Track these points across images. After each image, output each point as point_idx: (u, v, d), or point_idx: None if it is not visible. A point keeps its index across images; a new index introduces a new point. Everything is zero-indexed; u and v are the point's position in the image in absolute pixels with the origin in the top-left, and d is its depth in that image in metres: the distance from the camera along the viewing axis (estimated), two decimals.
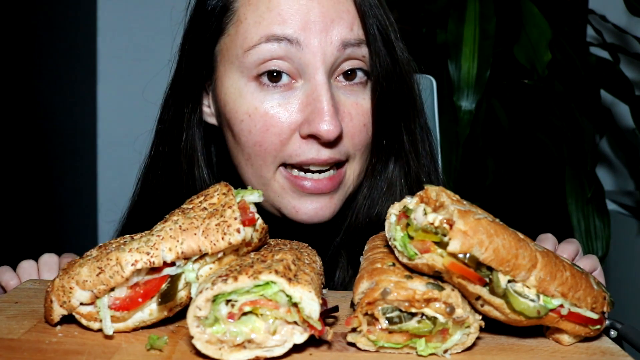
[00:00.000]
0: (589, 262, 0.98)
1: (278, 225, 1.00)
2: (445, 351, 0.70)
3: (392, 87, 0.99)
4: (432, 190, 0.74)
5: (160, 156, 1.10)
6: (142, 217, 1.11)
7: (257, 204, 0.78)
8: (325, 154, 0.95)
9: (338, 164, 0.99)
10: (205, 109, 1.08)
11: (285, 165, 0.97)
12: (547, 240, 0.98)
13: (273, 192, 0.98)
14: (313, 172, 0.97)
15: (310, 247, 0.83)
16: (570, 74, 2.18)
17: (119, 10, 2.87)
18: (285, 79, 0.95)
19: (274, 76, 0.94)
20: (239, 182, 1.04)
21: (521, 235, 0.71)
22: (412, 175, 1.05)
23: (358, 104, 0.98)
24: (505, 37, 2.13)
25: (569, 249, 0.97)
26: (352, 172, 1.01)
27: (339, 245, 1.09)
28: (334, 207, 0.99)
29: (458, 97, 1.99)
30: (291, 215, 0.99)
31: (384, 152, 1.03)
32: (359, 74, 0.99)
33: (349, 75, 0.98)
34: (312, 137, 0.94)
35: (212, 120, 1.08)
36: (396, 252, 0.73)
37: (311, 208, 0.97)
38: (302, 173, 0.97)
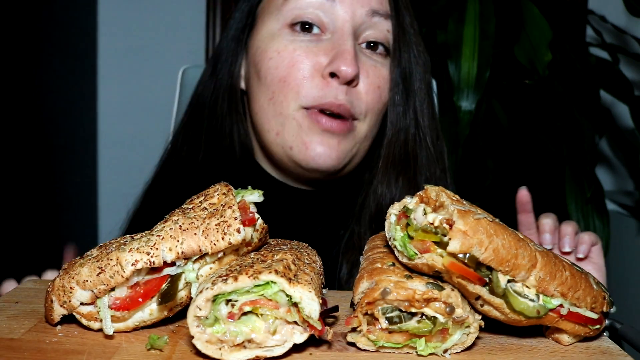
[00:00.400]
0: (589, 238, 1.04)
1: (278, 225, 1.01)
2: (445, 351, 0.70)
3: (407, 64, 1.09)
4: (432, 190, 0.74)
5: (196, 119, 1.19)
6: (170, 182, 1.17)
7: (257, 204, 0.78)
8: (341, 98, 1.03)
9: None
10: (240, 74, 1.17)
11: (305, 108, 1.05)
12: (548, 217, 1.05)
13: (289, 131, 1.05)
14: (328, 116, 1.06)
15: (310, 247, 0.83)
16: (570, 74, 2.18)
17: (119, 10, 2.87)
18: (315, 30, 1.05)
19: (306, 27, 1.05)
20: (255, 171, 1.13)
21: (521, 235, 0.71)
22: (419, 162, 1.14)
23: (377, 67, 1.08)
24: (505, 37, 2.13)
25: (569, 229, 1.04)
26: (360, 129, 1.08)
27: (353, 229, 1.16)
28: (339, 152, 1.05)
29: (458, 97, 1.98)
30: (301, 153, 1.05)
31: (393, 131, 1.11)
32: (380, 47, 1.09)
33: (372, 46, 1.08)
34: (332, 76, 1.03)
35: (243, 84, 1.17)
36: (396, 252, 0.73)
37: (320, 148, 1.04)
38: (318, 113, 1.06)
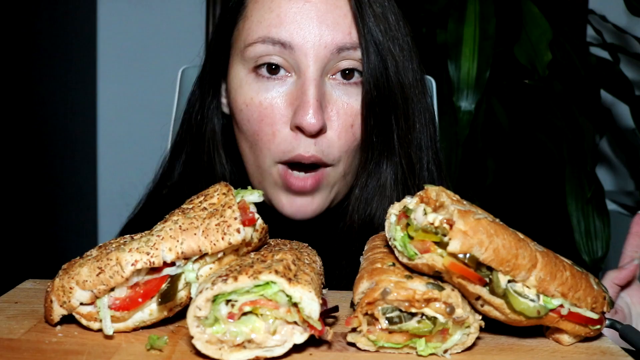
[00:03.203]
0: None
1: (278, 225, 1.01)
2: (445, 351, 0.70)
3: (383, 94, 1.00)
4: (432, 190, 0.74)
5: (184, 142, 1.17)
6: (158, 206, 1.13)
7: (257, 204, 0.78)
8: (311, 150, 0.99)
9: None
10: (223, 100, 1.15)
11: (280, 162, 1.03)
12: None
13: (268, 184, 1.05)
14: (300, 171, 1.03)
15: (310, 247, 0.83)
16: (570, 74, 2.18)
17: (119, 10, 2.87)
18: (281, 72, 1.00)
19: (273, 69, 0.99)
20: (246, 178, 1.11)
21: (521, 235, 0.71)
22: (404, 176, 1.08)
23: (349, 104, 1.01)
24: (505, 37, 2.13)
25: None
26: (336, 173, 1.04)
27: (339, 246, 1.11)
28: (315, 205, 1.05)
29: (458, 97, 1.98)
30: (279, 207, 1.06)
31: (376, 153, 1.05)
32: (356, 74, 1.01)
33: (347, 74, 1.01)
34: (299, 129, 0.98)
35: (226, 110, 1.14)
36: (396, 252, 0.73)
37: (295, 205, 1.04)
38: (290, 171, 1.03)
